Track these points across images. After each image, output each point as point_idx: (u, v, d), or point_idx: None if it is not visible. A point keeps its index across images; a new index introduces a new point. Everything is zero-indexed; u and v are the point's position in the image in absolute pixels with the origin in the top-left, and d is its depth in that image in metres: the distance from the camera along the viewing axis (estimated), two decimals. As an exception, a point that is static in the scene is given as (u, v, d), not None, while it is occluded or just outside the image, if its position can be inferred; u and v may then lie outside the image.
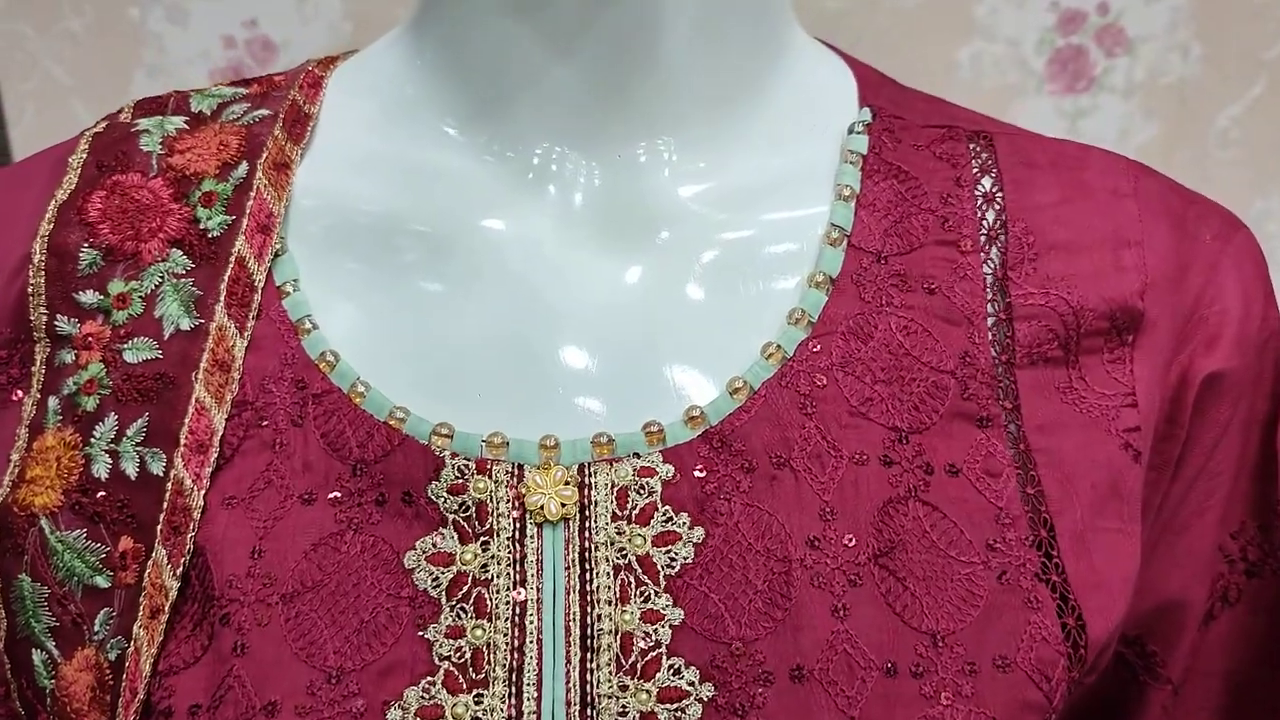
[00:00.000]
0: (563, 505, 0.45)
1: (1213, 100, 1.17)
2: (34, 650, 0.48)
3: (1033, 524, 0.47)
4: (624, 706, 0.43)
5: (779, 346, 0.48)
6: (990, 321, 0.50)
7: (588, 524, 0.45)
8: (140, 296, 0.50)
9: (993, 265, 0.51)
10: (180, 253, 0.50)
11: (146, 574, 0.46)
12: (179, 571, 0.46)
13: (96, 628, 0.47)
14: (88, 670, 0.47)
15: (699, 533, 0.45)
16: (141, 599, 0.46)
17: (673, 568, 0.45)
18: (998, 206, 0.51)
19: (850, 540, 0.45)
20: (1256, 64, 1.15)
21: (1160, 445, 0.51)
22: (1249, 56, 1.15)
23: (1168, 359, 0.51)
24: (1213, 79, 1.16)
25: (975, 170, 0.52)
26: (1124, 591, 0.48)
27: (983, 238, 0.51)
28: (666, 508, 0.46)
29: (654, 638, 0.44)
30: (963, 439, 0.48)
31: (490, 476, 0.46)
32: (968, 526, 0.46)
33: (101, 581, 0.47)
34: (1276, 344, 0.54)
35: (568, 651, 0.44)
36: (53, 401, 0.49)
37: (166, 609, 0.46)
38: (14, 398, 0.50)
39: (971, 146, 0.53)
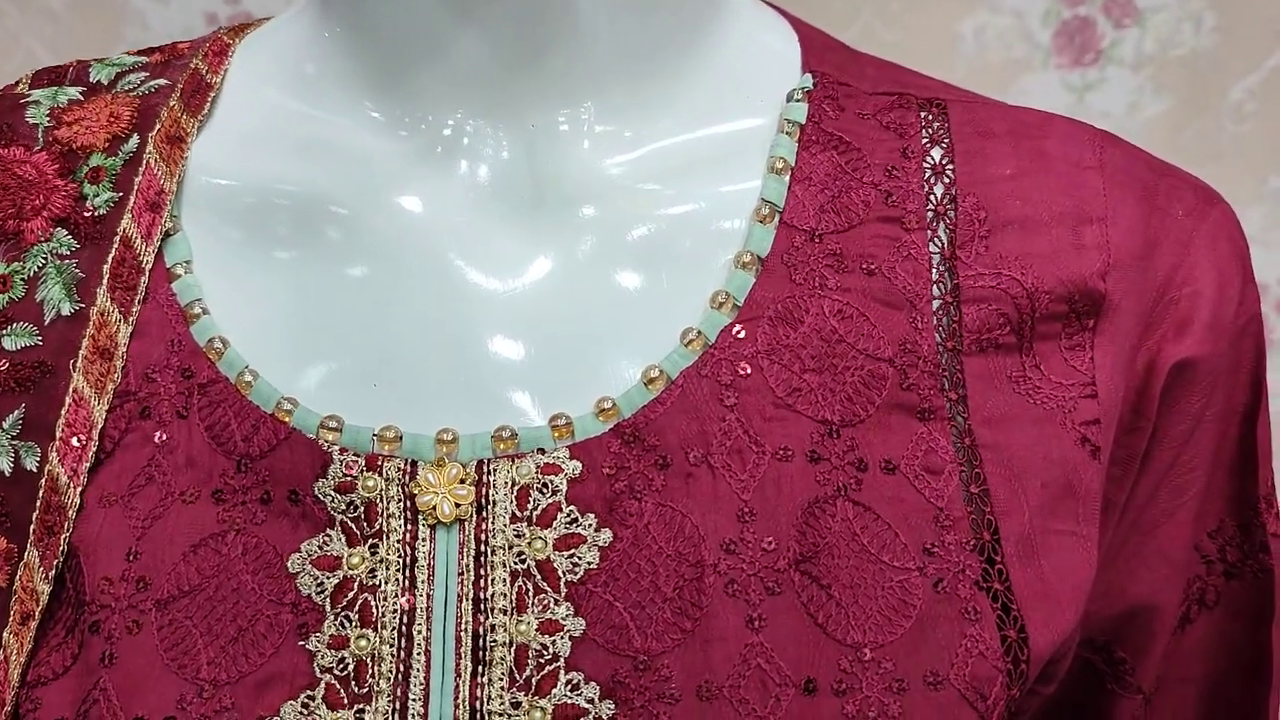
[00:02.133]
0: (457, 506, 0.42)
1: (1226, 73, 1.12)
2: None
3: (975, 527, 0.43)
4: None
5: (700, 332, 0.44)
6: (935, 305, 0.46)
7: (484, 525, 0.42)
8: (22, 279, 0.46)
9: (940, 244, 0.46)
10: (65, 232, 0.47)
11: (18, 577, 0.43)
12: (51, 575, 0.43)
13: None
14: None
15: (606, 535, 0.42)
16: (12, 604, 0.43)
17: (575, 574, 0.41)
18: (947, 179, 0.47)
19: (770, 544, 0.42)
20: (1273, 35, 1.10)
21: (1125, 438, 0.47)
22: (1265, 27, 1.10)
23: (1133, 345, 0.47)
24: (1226, 51, 1.11)
25: (925, 140, 0.48)
26: (1074, 601, 0.44)
27: (929, 214, 0.47)
28: (571, 508, 0.42)
29: (551, 650, 0.40)
30: (901, 433, 0.44)
31: (380, 474, 0.42)
32: (903, 529, 0.42)
33: None
34: (1256, 328, 0.49)
35: (458, 664, 0.40)
36: None
37: (37, 614, 0.43)
38: None
39: (923, 115, 0.49)
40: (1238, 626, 0.53)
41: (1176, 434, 0.48)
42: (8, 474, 0.44)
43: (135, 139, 0.48)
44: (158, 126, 0.48)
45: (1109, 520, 0.48)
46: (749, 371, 0.44)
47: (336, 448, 0.43)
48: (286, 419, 0.43)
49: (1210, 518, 0.51)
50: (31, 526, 0.44)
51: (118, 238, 0.46)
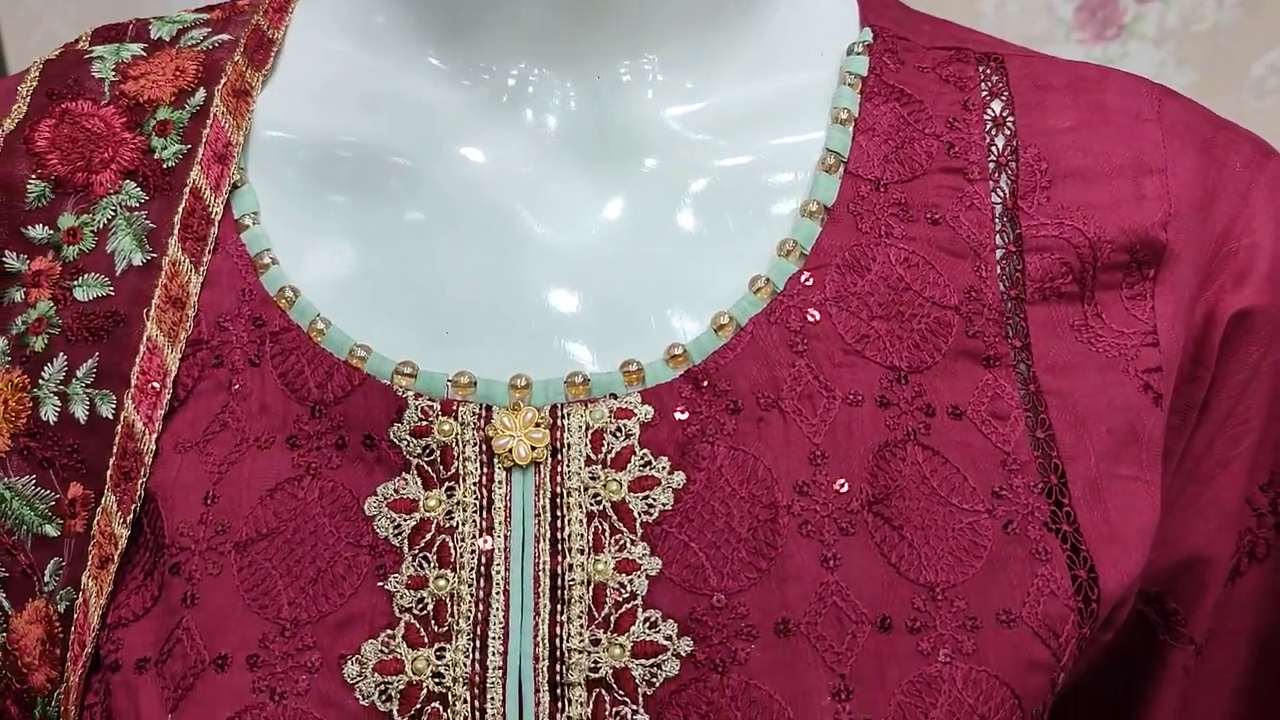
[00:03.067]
0: (533, 448, 0.42)
1: (1249, 47, 1.12)
2: None
3: (1042, 470, 0.44)
4: (596, 662, 0.40)
5: (768, 280, 0.45)
6: (999, 254, 0.46)
7: (559, 468, 0.42)
8: (92, 231, 0.47)
9: (1002, 194, 0.47)
10: (134, 184, 0.47)
11: (95, 522, 0.44)
12: (129, 519, 0.43)
13: (46, 578, 0.44)
14: (38, 623, 0.44)
15: (679, 478, 0.42)
16: (90, 548, 0.44)
17: (650, 514, 0.42)
18: (1008, 131, 0.48)
19: (842, 486, 0.42)
20: (1297, 8, 1.10)
21: (1184, 388, 0.48)
22: (1290, 0, 1.10)
23: (1193, 295, 0.47)
24: (1250, 25, 1.11)
25: (984, 93, 0.49)
26: (1141, 544, 0.44)
27: (991, 165, 0.47)
28: (645, 451, 0.42)
29: (629, 588, 0.41)
30: (967, 379, 0.44)
31: (456, 418, 0.43)
32: (971, 472, 0.43)
33: (51, 530, 0.44)
34: None
35: (536, 603, 0.41)
36: (0, 342, 0.47)
37: (116, 558, 0.43)
38: None
39: (981, 69, 0.49)
40: None
41: (1234, 384, 0.49)
42: (83, 422, 0.45)
43: (201, 93, 0.48)
44: (223, 80, 0.49)
45: (1166, 469, 0.48)
46: (818, 318, 0.44)
47: (411, 393, 0.43)
48: (360, 365, 0.44)
49: (1262, 470, 0.52)
50: (108, 472, 0.44)
51: (187, 189, 0.47)
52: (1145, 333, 0.46)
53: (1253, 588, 0.53)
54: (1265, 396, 0.50)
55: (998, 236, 0.46)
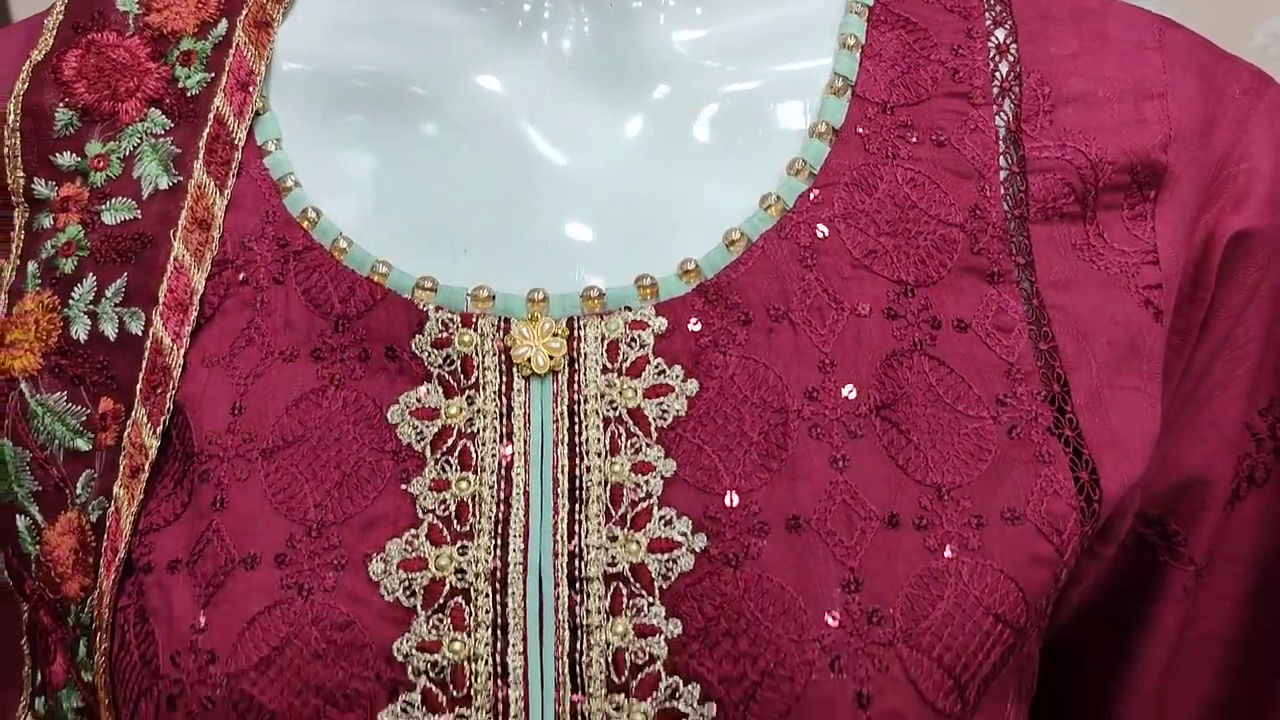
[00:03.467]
0: (550, 358, 0.43)
1: (1250, 15, 1.13)
2: (18, 516, 0.47)
3: (1045, 380, 0.45)
4: (613, 558, 0.41)
5: (778, 198, 0.46)
6: (1003, 175, 0.47)
7: (576, 377, 0.44)
8: (118, 158, 0.48)
9: (1005, 118, 0.48)
10: (159, 112, 0.49)
11: (126, 434, 0.45)
12: (159, 430, 0.45)
13: (79, 490, 0.46)
14: (70, 533, 0.46)
15: (692, 385, 0.43)
16: (121, 459, 0.45)
17: (665, 420, 0.43)
18: (1011, 58, 0.49)
19: (850, 392, 0.43)
20: (1300, -23, 1.11)
21: (1183, 308, 0.49)
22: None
23: (1193, 217, 0.48)
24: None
25: (988, 22, 0.50)
26: (1141, 451, 0.45)
27: (995, 90, 0.48)
28: (659, 360, 0.44)
29: (644, 489, 0.42)
30: (972, 294, 0.46)
31: (475, 330, 0.44)
32: (976, 381, 0.44)
33: (82, 444, 0.46)
34: None
35: (555, 503, 0.42)
36: (31, 266, 0.48)
37: (146, 468, 0.44)
38: None
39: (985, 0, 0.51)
40: None
41: (1233, 304, 0.50)
42: (113, 339, 0.46)
43: (224, 24, 0.50)
44: (244, 12, 0.50)
45: (1167, 389, 0.49)
46: (826, 234, 0.45)
47: (431, 306, 0.44)
48: (382, 281, 0.45)
49: (1261, 395, 0.53)
50: (138, 386, 0.45)
51: (211, 115, 0.48)
52: (1146, 251, 0.47)
53: (1252, 512, 0.54)
54: (1263, 319, 0.51)
55: (1001, 158, 0.47)
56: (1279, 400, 0.53)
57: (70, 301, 0.47)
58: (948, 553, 0.42)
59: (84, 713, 0.46)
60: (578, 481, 0.42)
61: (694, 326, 0.44)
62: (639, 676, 0.40)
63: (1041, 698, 0.53)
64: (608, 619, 0.41)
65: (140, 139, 0.48)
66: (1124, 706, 0.56)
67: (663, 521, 0.42)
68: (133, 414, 0.45)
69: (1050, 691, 0.57)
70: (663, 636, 0.40)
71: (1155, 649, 0.55)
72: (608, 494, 0.42)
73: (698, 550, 0.41)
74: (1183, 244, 0.48)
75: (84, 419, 0.46)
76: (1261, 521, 0.54)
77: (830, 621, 0.40)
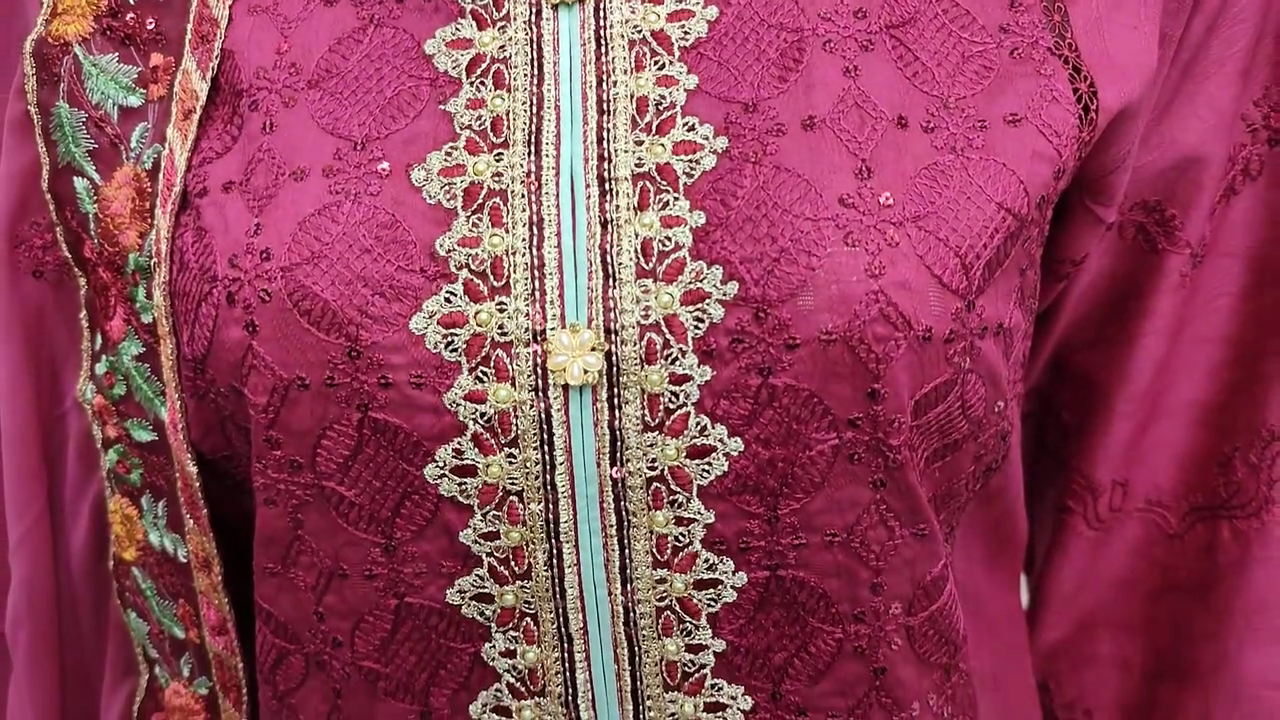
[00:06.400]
0: None
1: None
2: (75, 178, 0.50)
3: (1047, 10, 0.47)
4: (639, 159, 0.44)
5: None
6: None
7: (602, 6, 0.46)
8: None
9: None
10: None
11: (177, 83, 0.48)
12: (208, 76, 0.47)
13: (133, 144, 0.49)
14: (127, 184, 0.48)
15: (712, 10, 0.46)
16: (174, 105, 0.48)
17: (686, 40, 0.46)
18: None
19: (861, 12, 0.46)
20: None
21: None
22: None
23: None
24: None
25: None
26: (1138, 76, 0.48)
27: None
28: None
29: (668, 99, 0.45)
30: None
31: None
32: (980, 12, 0.47)
33: (134, 100, 0.49)
34: None
35: (585, 115, 0.45)
36: None
37: (198, 109, 0.47)
38: None
39: None
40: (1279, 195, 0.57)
41: None
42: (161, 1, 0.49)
43: None
44: None
45: (1165, 56, 0.52)
46: None
47: None
48: None
49: (1256, 84, 0.55)
50: (186, 39, 0.48)
51: None
52: None
53: (1247, 206, 0.57)
54: (1257, 2, 0.53)
55: None
56: (1273, 89, 0.55)
57: None
58: (955, 149, 0.44)
59: (143, 358, 0.49)
60: (605, 94, 0.45)
61: None
62: (666, 262, 0.43)
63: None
64: (636, 213, 0.43)
65: None
66: (1121, 404, 0.59)
67: (686, 127, 0.44)
68: (182, 64, 0.48)
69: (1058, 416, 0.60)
70: (687, 226, 0.43)
71: (1153, 339, 0.58)
72: (634, 105, 0.45)
73: (719, 150, 0.44)
74: None
75: (135, 76, 0.49)
76: (1255, 214, 0.57)
77: (844, 203, 0.43)
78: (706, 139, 0.44)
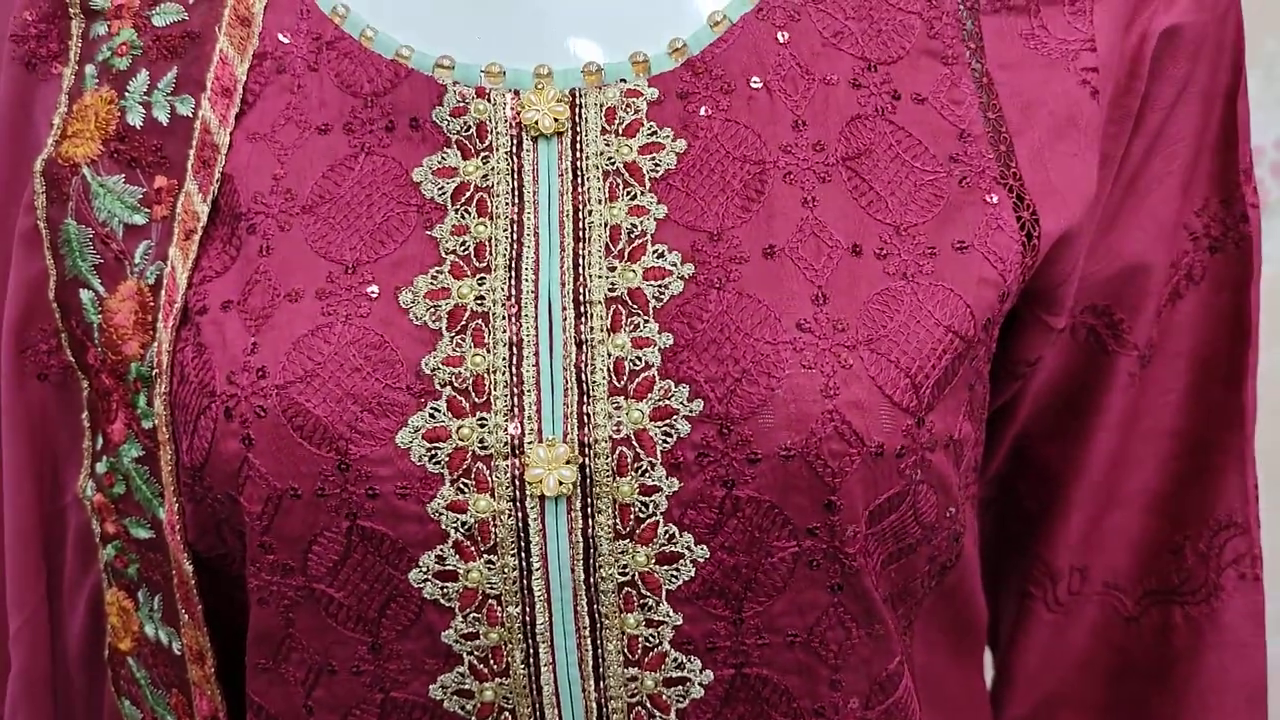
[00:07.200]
0: (555, 120, 0.49)
1: (1266, 23, 1.11)
2: (81, 290, 0.53)
3: (993, 141, 0.51)
4: (613, 284, 0.47)
5: None
6: None
7: (579, 138, 0.49)
8: None
9: None
10: None
11: (179, 204, 0.51)
12: (209, 199, 0.51)
13: (137, 260, 0.52)
14: (130, 299, 0.51)
15: (681, 144, 0.49)
16: (175, 225, 0.51)
17: (657, 171, 0.49)
18: None
19: (820, 145, 0.49)
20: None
21: (1120, 99, 0.55)
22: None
23: (1128, 19, 0.54)
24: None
25: None
26: (1079, 203, 0.51)
27: None
28: (651, 123, 0.50)
29: (639, 229, 0.48)
30: (929, 73, 0.51)
31: (489, 100, 0.50)
32: (931, 144, 0.50)
33: (139, 219, 0.52)
34: (1236, 16, 0.57)
35: (562, 242, 0.48)
36: (89, 68, 0.54)
37: (199, 230, 0.50)
38: (54, 71, 0.54)
39: None
40: (1222, 299, 0.60)
41: (1165, 97, 0.56)
42: (165, 124, 0.52)
43: None
44: None
45: (1106, 176, 0.55)
46: (799, 17, 0.51)
47: (450, 81, 0.50)
48: (405, 61, 0.51)
49: (1197, 196, 0.59)
50: (189, 163, 0.51)
51: None
52: (1084, 40, 0.53)
53: (1191, 309, 0.60)
54: (1195, 121, 0.57)
55: None
56: (1213, 200, 0.59)
57: (126, 94, 0.53)
58: (905, 275, 0.48)
59: (143, 460, 0.52)
60: (581, 224, 0.48)
61: (682, 95, 0.50)
62: (637, 380, 0.46)
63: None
64: (609, 334, 0.46)
65: None
66: (1076, 493, 0.62)
67: (655, 254, 0.48)
68: (184, 187, 0.51)
69: (1017, 499, 0.63)
70: (656, 347, 0.46)
71: (1105, 434, 0.61)
72: (607, 233, 0.48)
73: (686, 277, 0.47)
74: (1119, 38, 0.54)
75: (140, 196, 0.52)
76: (1199, 317, 0.60)
77: (801, 328, 0.46)
78: (675, 265, 0.47)
